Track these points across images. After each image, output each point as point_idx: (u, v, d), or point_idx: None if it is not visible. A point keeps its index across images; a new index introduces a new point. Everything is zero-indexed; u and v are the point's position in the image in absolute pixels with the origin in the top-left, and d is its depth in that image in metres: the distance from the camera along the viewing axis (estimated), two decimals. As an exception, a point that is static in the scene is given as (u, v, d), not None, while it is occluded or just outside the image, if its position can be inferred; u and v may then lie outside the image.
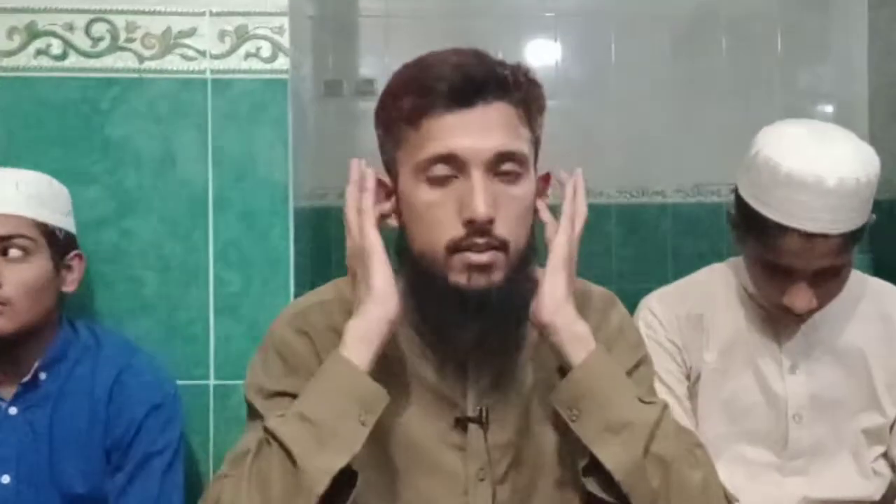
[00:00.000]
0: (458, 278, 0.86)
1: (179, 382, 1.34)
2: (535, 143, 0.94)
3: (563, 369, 0.89)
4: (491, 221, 0.85)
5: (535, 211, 0.94)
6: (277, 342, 0.97)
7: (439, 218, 0.86)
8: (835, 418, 1.24)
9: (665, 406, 0.91)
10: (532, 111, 0.91)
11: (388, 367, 0.93)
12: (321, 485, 0.77)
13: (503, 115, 0.87)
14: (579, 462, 0.91)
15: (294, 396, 0.88)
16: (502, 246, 0.87)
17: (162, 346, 1.41)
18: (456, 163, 0.86)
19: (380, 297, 0.87)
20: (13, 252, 1.22)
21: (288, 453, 0.79)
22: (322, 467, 0.79)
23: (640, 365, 1.01)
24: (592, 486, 0.89)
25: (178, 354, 1.43)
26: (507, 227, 0.87)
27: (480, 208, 0.82)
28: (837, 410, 1.24)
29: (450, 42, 0.93)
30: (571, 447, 0.95)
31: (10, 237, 1.19)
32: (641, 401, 0.87)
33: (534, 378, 1.00)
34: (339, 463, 0.79)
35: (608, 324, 1.03)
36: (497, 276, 0.86)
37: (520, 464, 0.94)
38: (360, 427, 0.82)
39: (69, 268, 1.29)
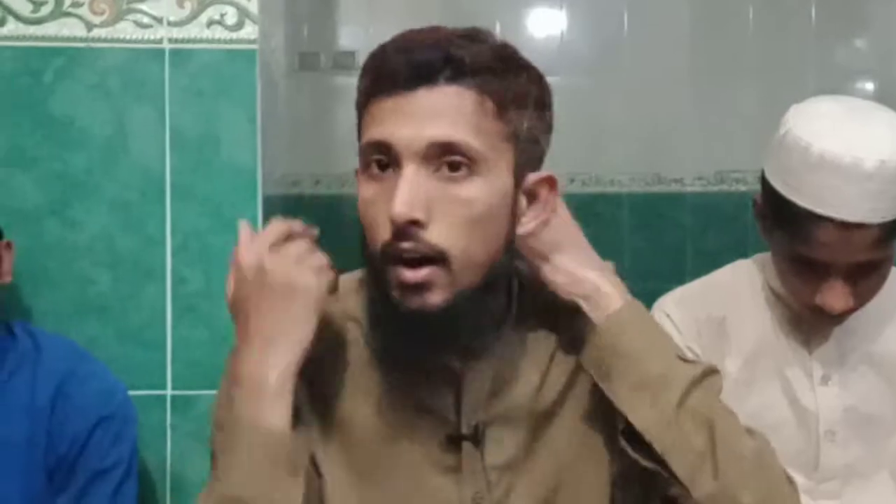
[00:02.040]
0: (395, 294, 0.78)
1: (132, 393, 1.27)
2: (512, 138, 0.82)
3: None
4: (416, 223, 0.75)
5: (514, 215, 0.84)
6: None
7: (374, 217, 0.78)
8: (872, 436, 1.18)
9: (713, 370, 0.84)
10: (506, 101, 0.79)
11: (361, 379, 0.87)
12: None
13: (454, 101, 0.78)
14: (619, 425, 0.85)
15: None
16: (439, 258, 0.77)
17: (113, 351, 1.34)
18: (389, 153, 0.77)
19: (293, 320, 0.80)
20: None
21: None
22: None
23: None
24: (630, 452, 0.83)
25: (132, 361, 1.36)
26: (446, 235, 0.76)
27: (396, 206, 0.73)
28: (875, 426, 1.18)
29: (441, 10, 0.82)
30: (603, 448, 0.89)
31: None
32: (681, 358, 0.82)
33: (537, 385, 0.92)
34: None
35: None
36: (435, 298, 0.77)
37: (522, 487, 0.87)
38: (296, 480, 0.78)
39: None
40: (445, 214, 0.77)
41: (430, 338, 0.84)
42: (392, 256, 0.76)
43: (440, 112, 0.77)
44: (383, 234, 0.76)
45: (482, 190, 0.78)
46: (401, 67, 0.76)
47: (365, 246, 0.83)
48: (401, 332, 0.86)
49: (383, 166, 0.78)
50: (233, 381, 0.80)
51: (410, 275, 0.76)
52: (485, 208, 0.79)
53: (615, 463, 0.88)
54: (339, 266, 0.87)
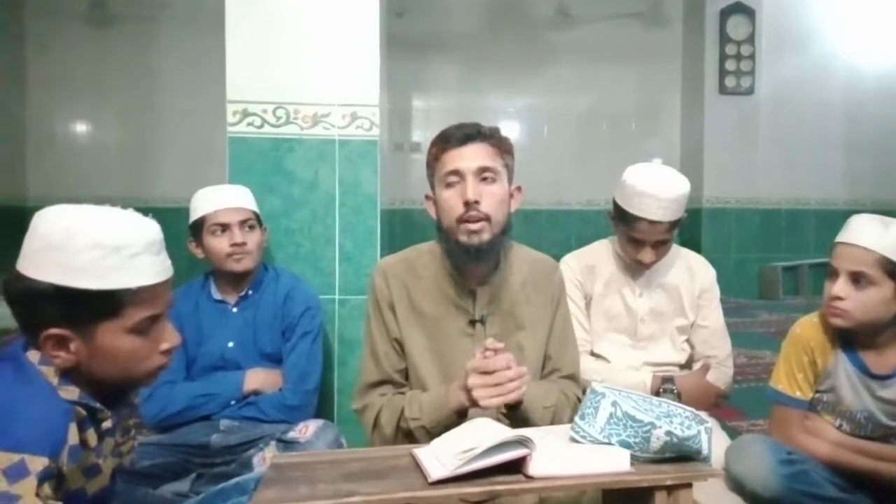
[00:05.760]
0: (463, 238, 1.31)
1: (321, 296, 2.04)
2: (507, 166, 1.37)
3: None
4: (477, 202, 1.28)
5: (510, 200, 1.36)
6: (373, 283, 1.44)
7: (451, 205, 1.32)
8: (661, 321, 1.91)
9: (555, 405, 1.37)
10: (501, 149, 1.36)
11: (437, 293, 1.39)
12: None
13: (483, 149, 1.33)
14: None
15: (379, 311, 1.40)
16: (486, 218, 1.30)
17: (310, 277, 2.10)
18: (459, 174, 1.32)
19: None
20: None
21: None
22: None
23: (562, 303, 1.52)
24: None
25: (320, 280, 2.12)
26: (488, 207, 1.30)
27: (469, 193, 1.28)
28: (663, 317, 1.91)
29: (461, 120, 1.51)
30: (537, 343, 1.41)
31: None
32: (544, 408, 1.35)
33: (514, 299, 1.42)
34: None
35: (552, 283, 1.50)
36: (485, 237, 1.30)
37: (507, 349, 1.27)
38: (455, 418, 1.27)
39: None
40: (488, 198, 1.30)
41: (474, 264, 1.33)
42: (464, 219, 1.29)
43: (479, 154, 1.32)
44: (457, 210, 1.30)
45: (499, 188, 1.33)
46: (458, 136, 1.33)
47: (440, 223, 1.37)
48: (456, 263, 1.35)
49: (454, 183, 1.31)
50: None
51: (473, 226, 1.29)
52: (503, 196, 1.33)
53: (543, 346, 1.44)
54: (412, 239, 1.52)
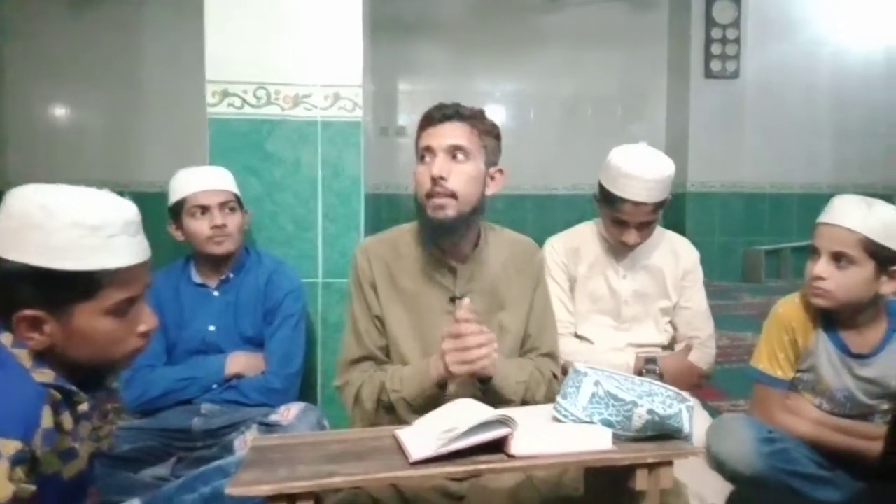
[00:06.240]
0: (430, 212, 1.34)
1: (304, 279, 2.02)
2: (485, 147, 1.39)
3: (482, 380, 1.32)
4: (443, 178, 1.31)
5: (485, 182, 1.38)
6: (355, 262, 1.46)
7: (421, 180, 1.36)
8: (645, 302, 1.93)
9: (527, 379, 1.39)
10: (478, 128, 1.38)
11: (418, 271, 1.42)
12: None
13: (458, 128, 1.36)
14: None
15: (361, 289, 1.41)
16: (452, 195, 1.32)
17: (293, 260, 2.08)
18: (430, 150, 1.35)
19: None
20: None
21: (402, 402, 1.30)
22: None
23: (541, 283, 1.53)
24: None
25: (303, 263, 2.11)
26: (456, 184, 1.32)
27: (435, 169, 1.32)
28: (647, 298, 1.92)
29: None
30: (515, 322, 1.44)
31: None
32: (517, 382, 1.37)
33: (494, 278, 1.45)
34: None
35: (533, 264, 1.52)
36: (449, 213, 1.32)
37: (489, 327, 1.31)
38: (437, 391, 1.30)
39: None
40: (457, 175, 1.32)
41: (444, 239, 1.35)
42: (431, 194, 1.32)
43: (453, 133, 1.35)
44: (426, 186, 1.32)
45: (471, 167, 1.35)
46: (436, 115, 1.36)
47: (416, 198, 1.38)
48: (431, 238, 1.38)
49: (426, 159, 1.35)
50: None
51: (438, 201, 1.31)
52: (471, 175, 1.35)
53: (524, 319, 1.47)
54: (397, 223, 1.51)
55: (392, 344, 1.41)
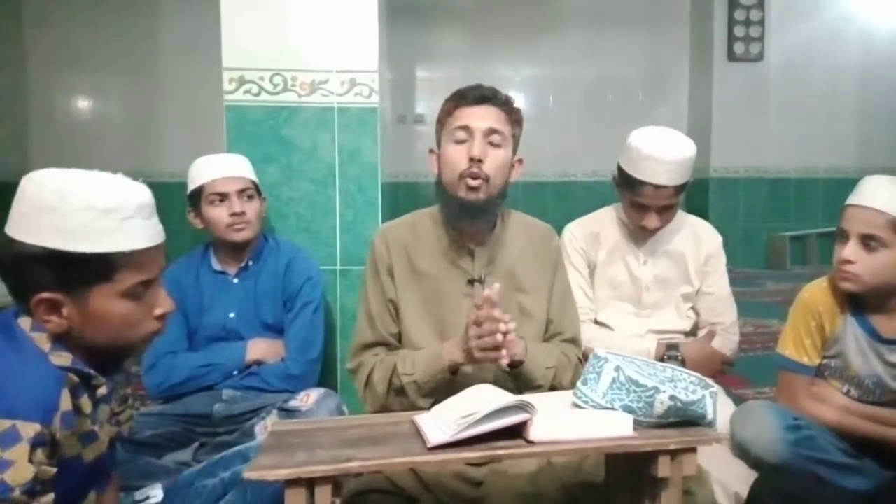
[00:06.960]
0: (462, 193, 1.34)
1: (322, 267, 2.01)
2: (514, 136, 1.40)
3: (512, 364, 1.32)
4: (481, 161, 1.32)
5: (511, 169, 1.39)
6: (373, 247, 1.47)
7: (456, 159, 1.36)
8: (666, 288, 1.89)
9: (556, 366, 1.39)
10: (511, 116, 1.40)
11: (436, 254, 1.42)
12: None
13: (495, 112, 1.36)
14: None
15: (377, 274, 1.41)
16: (486, 178, 1.34)
17: (311, 247, 2.07)
18: (468, 130, 1.35)
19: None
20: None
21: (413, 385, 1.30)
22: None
23: (560, 267, 1.54)
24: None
25: (320, 251, 2.10)
26: (490, 169, 1.34)
27: (476, 150, 1.33)
28: (668, 284, 1.88)
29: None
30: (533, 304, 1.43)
31: None
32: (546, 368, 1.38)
33: (513, 261, 1.45)
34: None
35: (550, 249, 1.53)
36: (482, 195, 1.33)
37: (508, 309, 1.32)
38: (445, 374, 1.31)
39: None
40: (491, 160, 1.34)
41: (467, 222, 1.35)
42: (466, 175, 1.32)
43: (491, 116, 1.35)
44: (462, 166, 1.32)
45: (505, 153, 1.36)
46: (473, 95, 1.37)
47: (440, 179, 1.39)
48: (453, 222, 1.37)
49: (463, 139, 1.34)
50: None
51: (472, 182, 1.33)
52: (505, 161, 1.36)
53: (546, 304, 1.45)
54: (415, 209, 1.50)
55: (404, 331, 1.40)
